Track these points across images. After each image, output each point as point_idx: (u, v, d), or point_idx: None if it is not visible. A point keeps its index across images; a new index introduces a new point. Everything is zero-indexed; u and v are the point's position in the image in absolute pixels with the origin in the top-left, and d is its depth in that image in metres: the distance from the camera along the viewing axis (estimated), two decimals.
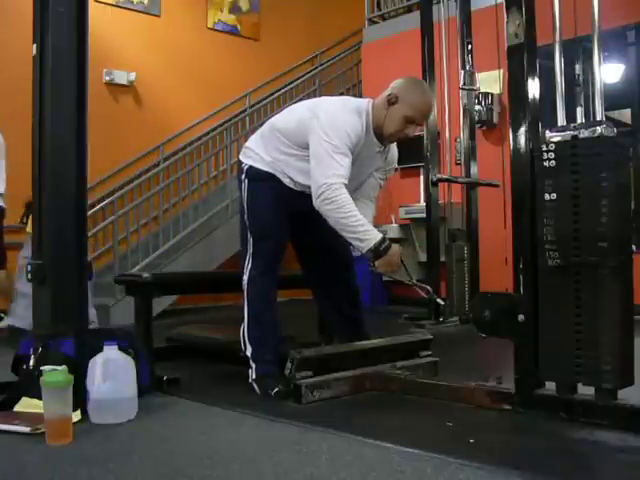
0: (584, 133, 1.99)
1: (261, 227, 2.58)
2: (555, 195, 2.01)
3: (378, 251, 2.37)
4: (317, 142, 2.43)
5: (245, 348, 2.55)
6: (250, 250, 2.58)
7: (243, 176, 2.65)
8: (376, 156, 2.61)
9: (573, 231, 1.97)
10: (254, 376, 2.51)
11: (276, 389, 2.39)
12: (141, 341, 2.69)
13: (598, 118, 2.09)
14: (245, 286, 2.57)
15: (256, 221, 2.59)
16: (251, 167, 2.64)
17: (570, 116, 2.19)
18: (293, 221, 2.64)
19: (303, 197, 2.53)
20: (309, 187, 2.47)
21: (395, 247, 2.44)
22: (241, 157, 2.72)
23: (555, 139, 2.03)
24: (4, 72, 5.76)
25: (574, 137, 2.00)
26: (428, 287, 2.65)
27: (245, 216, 2.62)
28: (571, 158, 1.98)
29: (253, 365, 2.52)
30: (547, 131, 2.07)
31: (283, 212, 2.60)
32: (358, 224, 2.38)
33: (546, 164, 2.02)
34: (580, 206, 1.96)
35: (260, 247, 2.56)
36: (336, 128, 2.42)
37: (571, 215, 1.97)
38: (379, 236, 2.38)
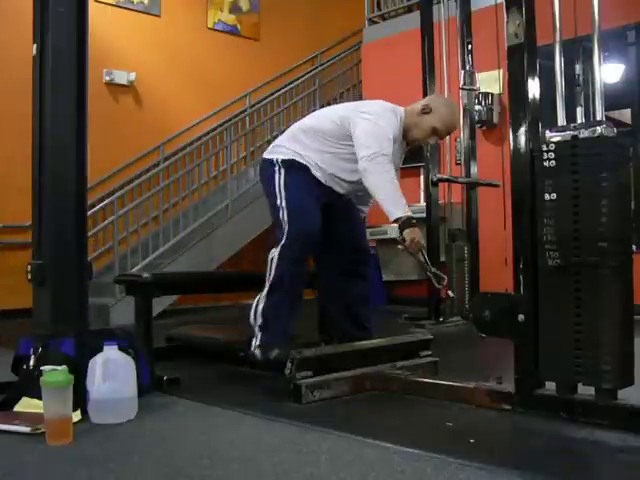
0: (584, 133, 1.99)
1: (299, 208, 2.63)
2: (555, 195, 2.01)
3: (409, 221, 2.53)
4: (372, 125, 2.62)
5: (255, 320, 2.55)
6: (285, 230, 2.59)
7: (276, 167, 2.73)
8: (398, 155, 2.85)
9: (573, 231, 1.97)
10: (257, 343, 2.49)
11: (275, 352, 2.43)
12: (141, 341, 2.69)
13: (598, 118, 2.09)
14: (275, 258, 2.57)
15: (294, 204, 2.64)
16: (284, 160, 2.73)
17: (570, 116, 2.19)
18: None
19: (332, 192, 2.75)
20: (343, 183, 2.73)
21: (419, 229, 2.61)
22: (270, 155, 2.80)
23: (555, 139, 2.03)
24: (4, 72, 5.76)
25: (574, 137, 2.00)
26: (445, 277, 2.72)
27: (278, 202, 2.65)
28: (571, 158, 1.98)
29: (259, 334, 2.52)
30: (547, 131, 2.07)
31: (317, 199, 2.71)
32: (399, 193, 2.57)
33: (546, 164, 2.02)
34: (580, 206, 1.96)
35: (296, 228, 2.58)
36: (385, 120, 2.66)
37: (571, 215, 1.97)
38: (409, 212, 2.56)
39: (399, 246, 2.59)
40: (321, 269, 2.95)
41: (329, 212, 2.73)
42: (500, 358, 2.84)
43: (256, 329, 2.53)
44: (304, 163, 2.71)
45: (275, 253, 2.58)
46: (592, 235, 1.94)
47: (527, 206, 2.12)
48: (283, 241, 2.58)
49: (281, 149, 2.77)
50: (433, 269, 2.67)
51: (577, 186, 1.97)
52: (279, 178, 2.68)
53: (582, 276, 1.98)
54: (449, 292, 2.97)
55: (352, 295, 2.84)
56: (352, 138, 2.64)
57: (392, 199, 2.55)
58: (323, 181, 2.73)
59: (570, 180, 1.98)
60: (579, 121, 2.33)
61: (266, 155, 2.81)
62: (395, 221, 2.55)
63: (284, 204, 2.63)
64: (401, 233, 2.56)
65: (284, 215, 2.61)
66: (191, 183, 6.46)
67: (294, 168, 2.70)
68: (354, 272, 2.86)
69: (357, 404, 2.37)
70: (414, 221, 2.56)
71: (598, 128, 1.97)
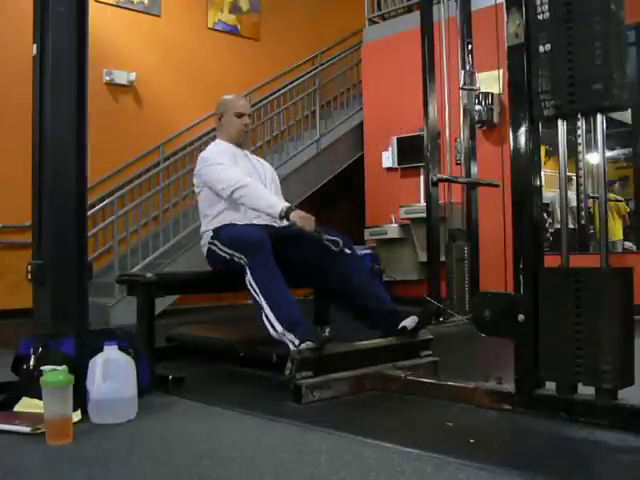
0: None
1: (235, 236, 2.84)
2: (549, 46, 2.02)
3: (289, 208, 2.79)
4: (208, 169, 3.08)
5: (277, 329, 2.53)
6: (242, 258, 2.71)
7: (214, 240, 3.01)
8: (248, 163, 3.21)
9: (568, 77, 1.98)
10: (297, 342, 2.46)
11: (322, 332, 2.51)
12: (143, 341, 2.69)
13: None
14: (251, 280, 2.62)
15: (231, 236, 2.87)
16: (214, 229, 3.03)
17: None
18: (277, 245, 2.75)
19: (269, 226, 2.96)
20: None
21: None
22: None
23: None
24: (4, 72, 5.76)
25: None
26: (339, 240, 2.82)
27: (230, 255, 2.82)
28: (565, 7, 1.99)
29: (290, 335, 2.50)
30: None
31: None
32: (266, 195, 2.93)
33: (540, 17, 2.04)
34: (574, 53, 1.97)
35: (245, 247, 2.72)
36: (211, 156, 3.10)
37: (566, 62, 1.98)
38: (286, 204, 2.84)
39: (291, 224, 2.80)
40: (319, 292, 3.26)
41: (283, 243, 2.85)
42: (500, 358, 2.84)
43: (286, 335, 2.51)
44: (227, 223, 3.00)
45: (249, 277, 2.64)
46: (586, 78, 1.94)
47: (527, 206, 2.12)
48: (247, 267, 2.66)
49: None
50: (326, 236, 2.82)
51: (571, 34, 1.98)
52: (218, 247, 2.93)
53: (582, 275, 1.98)
54: (345, 250, 3.03)
55: (348, 280, 2.86)
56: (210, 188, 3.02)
57: (264, 203, 2.86)
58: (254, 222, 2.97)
59: (564, 28, 1.99)
60: None
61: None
62: (281, 217, 2.79)
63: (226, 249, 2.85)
64: (288, 219, 2.77)
65: (233, 254, 2.78)
66: (191, 183, 6.46)
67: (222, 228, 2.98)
68: (332, 265, 2.87)
69: (357, 404, 2.37)
70: (292, 206, 2.84)
71: None
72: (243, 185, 2.90)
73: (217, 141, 3.23)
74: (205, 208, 3.09)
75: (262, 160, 3.41)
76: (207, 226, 3.06)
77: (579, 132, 4.77)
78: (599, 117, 2.00)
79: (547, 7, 2.03)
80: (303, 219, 2.78)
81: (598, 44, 1.93)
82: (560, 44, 2.00)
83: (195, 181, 3.15)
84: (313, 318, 3.24)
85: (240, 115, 3.16)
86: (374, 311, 2.80)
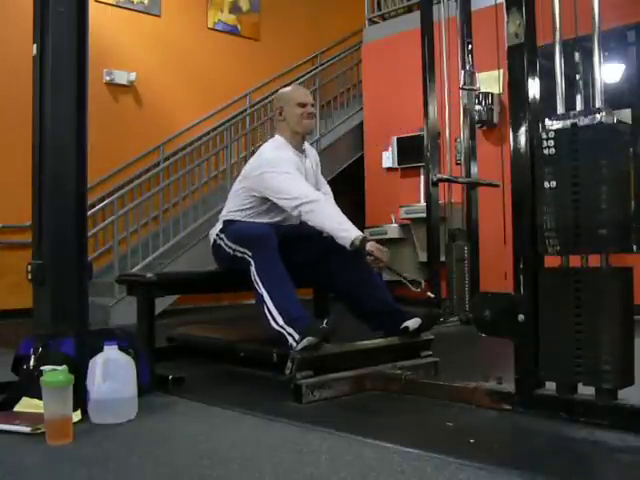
0: (584, 120, 1.98)
1: (242, 232, 2.81)
2: (555, 183, 2.01)
3: (364, 238, 2.64)
4: (275, 176, 2.88)
5: (277, 321, 2.52)
6: (246, 253, 2.69)
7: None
8: (309, 165, 3.06)
9: (573, 218, 1.97)
10: (297, 337, 2.45)
11: (321, 324, 2.48)
12: (144, 341, 2.69)
13: (597, 105, 2.06)
14: (255, 274, 2.62)
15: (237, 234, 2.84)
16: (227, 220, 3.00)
17: (570, 107, 2.18)
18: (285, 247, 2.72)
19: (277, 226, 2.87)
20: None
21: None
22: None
23: (555, 127, 2.03)
24: (4, 71, 5.76)
25: (574, 125, 1.99)
26: (422, 280, 2.74)
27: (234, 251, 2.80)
28: (571, 145, 1.98)
29: (290, 328, 2.49)
30: (547, 119, 2.07)
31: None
32: (341, 217, 2.72)
33: (546, 152, 2.03)
34: (580, 193, 1.96)
35: (249, 241, 2.71)
36: (277, 162, 2.88)
37: (571, 202, 1.97)
38: (360, 232, 2.68)
39: (368, 258, 2.65)
40: (320, 289, 3.25)
41: (290, 243, 2.81)
42: (500, 358, 2.84)
43: (286, 328, 2.50)
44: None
45: (253, 270, 2.63)
46: (592, 222, 1.94)
47: (527, 206, 2.12)
48: (252, 261, 2.64)
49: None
50: (407, 275, 2.72)
51: (577, 173, 1.97)
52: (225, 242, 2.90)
53: (582, 276, 1.98)
54: (428, 293, 2.97)
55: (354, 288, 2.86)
56: (267, 196, 2.85)
57: (337, 225, 2.69)
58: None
59: (570, 167, 1.98)
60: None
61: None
62: (352, 245, 2.63)
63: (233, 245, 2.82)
64: (364, 248, 2.61)
65: (237, 249, 2.76)
66: (191, 183, 6.47)
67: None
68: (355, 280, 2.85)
69: (357, 404, 2.37)
70: (367, 236, 2.69)
71: (597, 115, 1.96)
72: (313, 200, 2.72)
73: (277, 139, 2.99)
74: (236, 201, 2.97)
75: (313, 156, 3.17)
76: (225, 213, 3.01)
77: None
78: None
79: (553, 143, 2.02)
80: (380, 251, 2.64)
81: (604, 188, 1.93)
82: (565, 182, 1.99)
83: (246, 182, 2.95)
84: (313, 311, 3.24)
85: (303, 105, 2.95)
86: (377, 313, 2.81)
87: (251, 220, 2.93)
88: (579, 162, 1.96)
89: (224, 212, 3.04)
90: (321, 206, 2.73)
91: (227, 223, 2.96)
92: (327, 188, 3.23)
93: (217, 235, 2.97)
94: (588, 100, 2.09)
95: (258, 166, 2.88)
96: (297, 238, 2.90)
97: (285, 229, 2.92)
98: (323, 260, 2.89)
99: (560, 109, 2.13)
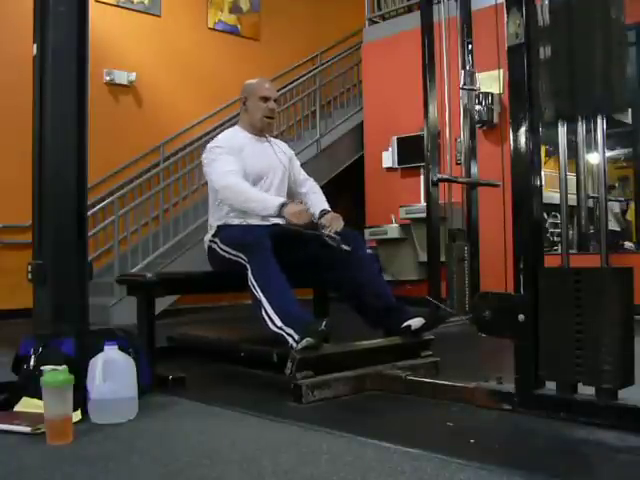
0: None
1: (236, 238, 2.81)
2: (550, 52, 2.05)
3: (281, 205, 2.73)
4: (208, 163, 3.06)
5: (276, 324, 2.52)
6: (243, 258, 2.70)
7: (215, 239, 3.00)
8: (259, 150, 3.10)
9: (569, 83, 2.01)
10: (296, 337, 2.44)
11: (320, 325, 2.45)
12: (144, 341, 2.69)
13: None
14: (251, 278, 2.61)
15: (232, 240, 2.84)
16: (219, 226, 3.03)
17: None
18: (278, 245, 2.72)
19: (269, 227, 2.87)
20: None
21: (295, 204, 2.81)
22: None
23: None
24: (3, 71, 5.76)
25: None
26: (337, 236, 2.80)
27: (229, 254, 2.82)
28: (566, 15, 2.01)
29: (289, 329, 2.48)
30: None
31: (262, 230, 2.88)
32: (257, 193, 2.85)
33: (541, 25, 2.06)
34: (575, 59, 1.99)
35: (244, 246, 2.71)
36: (214, 149, 3.00)
37: (566, 68, 2.00)
38: (279, 199, 2.79)
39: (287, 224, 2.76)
40: (319, 288, 3.30)
41: (287, 243, 2.82)
42: (500, 358, 2.84)
43: (285, 329, 2.49)
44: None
45: (249, 275, 2.63)
46: (587, 83, 1.96)
47: (527, 206, 2.12)
48: (247, 265, 2.65)
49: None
50: (325, 232, 2.81)
51: (572, 40, 2.00)
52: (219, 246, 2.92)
53: (582, 275, 1.98)
54: (343, 246, 2.99)
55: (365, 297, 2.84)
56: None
57: (256, 205, 2.79)
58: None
59: (565, 36, 2.01)
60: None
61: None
62: (279, 216, 2.74)
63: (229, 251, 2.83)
64: (283, 216, 2.72)
65: (232, 253, 2.78)
66: (191, 183, 6.47)
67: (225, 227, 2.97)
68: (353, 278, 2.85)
69: (357, 404, 2.37)
70: (286, 201, 2.78)
71: None
72: (226, 186, 2.85)
73: (234, 127, 3.12)
74: (212, 200, 3.06)
75: (282, 146, 3.26)
76: (212, 220, 3.05)
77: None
78: (599, 120, 2.01)
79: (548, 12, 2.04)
80: (295, 214, 2.72)
81: (599, 51, 1.93)
82: (561, 50, 2.01)
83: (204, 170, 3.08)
84: (312, 311, 3.24)
85: (266, 99, 3.02)
86: (377, 310, 2.80)
87: (237, 220, 2.94)
88: (574, 30, 1.99)
89: (209, 216, 3.10)
90: (236, 191, 2.82)
91: (219, 228, 2.97)
92: (311, 183, 3.27)
93: (210, 240, 2.99)
94: None
95: (202, 156, 3.04)
96: (294, 237, 2.89)
97: (280, 228, 2.92)
98: (321, 258, 2.88)
99: None
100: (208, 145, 3.02)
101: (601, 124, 2.03)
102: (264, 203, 2.79)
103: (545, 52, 2.05)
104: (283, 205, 2.73)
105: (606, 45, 1.95)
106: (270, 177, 3.05)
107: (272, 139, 3.19)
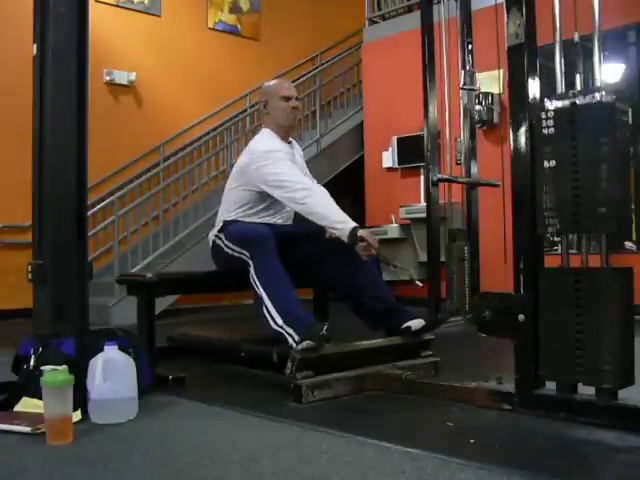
0: (583, 100, 1.97)
1: (241, 232, 2.79)
2: (554, 162, 2.01)
3: (356, 227, 2.65)
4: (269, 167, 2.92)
5: (277, 322, 2.52)
6: (244, 253, 2.69)
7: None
8: (298, 156, 3.12)
9: (573, 197, 1.97)
10: (298, 337, 2.45)
11: (322, 326, 2.44)
12: (144, 341, 2.69)
13: (597, 84, 2.04)
14: (253, 274, 2.62)
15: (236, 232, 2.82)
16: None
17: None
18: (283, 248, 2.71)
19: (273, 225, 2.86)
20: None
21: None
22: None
23: (554, 106, 2.02)
24: (3, 71, 5.76)
25: (573, 104, 1.98)
26: (404, 267, 2.85)
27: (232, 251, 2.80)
28: (570, 125, 1.98)
29: (290, 329, 2.48)
30: (546, 99, 2.06)
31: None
32: (335, 206, 2.74)
33: (545, 131, 2.02)
34: (579, 172, 1.96)
35: (247, 242, 2.70)
36: (268, 154, 2.90)
37: (571, 181, 1.97)
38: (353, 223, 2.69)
39: (358, 246, 2.70)
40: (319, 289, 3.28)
41: (290, 243, 2.82)
42: (500, 358, 2.84)
43: (285, 328, 2.49)
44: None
45: (251, 272, 2.63)
46: (591, 200, 1.93)
47: (527, 206, 2.12)
48: (250, 262, 2.64)
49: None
50: (397, 263, 2.85)
51: (576, 152, 1.97)
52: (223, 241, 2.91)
53: (582, 276, 1.98)
54: (417, 282, 2.98)
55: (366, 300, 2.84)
56: (264, 189, 2.86)
57: (332, 215, 2.70)
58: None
59: (569, 147, 1.98)
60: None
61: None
62: (351, 234, 2.65)
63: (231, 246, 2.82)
64: (355, 237, 2.64)
65: (236, 250, 2.77)
66: (191, 183, 6.47)
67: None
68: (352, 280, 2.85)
69: (357, 404, 2.37)
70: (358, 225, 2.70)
71: (597, 94, 1.96)
72: (308, 188, 2.76)
73: (265, 131, 3.02)
74: (232, 198, 2.98)
75: (300, 150, 3.25)
76: (222, 217, 3.01)
77: None
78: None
79: (552, 122, 2.02)
80: (371, 238, 2.69)
81: (604, 166, 1.92)
82: (565, 162, 1.99)
83: (241, 178, 2.94)
84: (313, 311, 3.24)
85: (287, 98, 2.99)
86: (377, 312, 2.80)
87: (249, 219, 2.92)
88: (578, 141, 1.96)
89: (220, 213, 3.04)
90: (317, 195, 2.75)
91: (226, 223, 2.95)
92: (317, 184, 3.22)
93: (216, 235, 2.97)
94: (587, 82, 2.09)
95: (253, 160, 2.87)
96: (296, 237, 2.89)
97: (284, 228, 2.92)
98: (323, 259, 2.89)
99: (559, 88, 2.13)
100: (259, 149, 2.90)
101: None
102: (343, 221, 2.69)
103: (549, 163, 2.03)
104: (357, 227, 2.68)
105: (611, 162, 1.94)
106: None
107: (293, 142, 3.14)
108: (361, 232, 2.66)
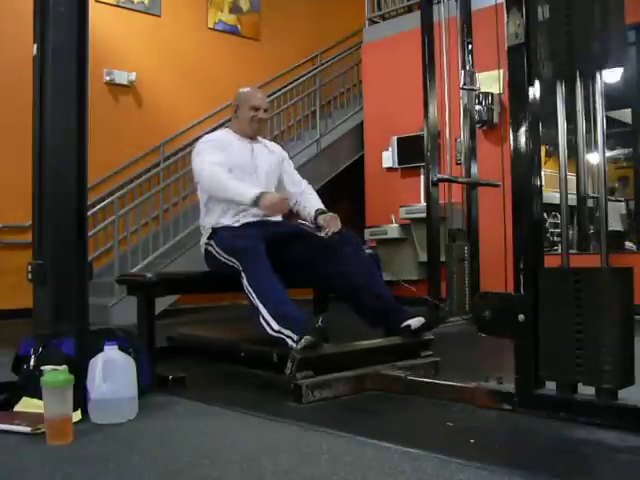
0: None
1: (230, 245, 2.82)
2: (548, 13, 2.06)
3: (259, 195, 2.78)
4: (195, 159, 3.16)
5: (273, 328, 2.52)
6: (237, 264, 2.71)
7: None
8: (242, 150, 3.18)
9: (567, 43, 2.01)
10: (296, 337, 2.44)
11: (318, 322, 2.44)
12: (144, 341, 2.69)
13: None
14: (247, 285, 2.62)
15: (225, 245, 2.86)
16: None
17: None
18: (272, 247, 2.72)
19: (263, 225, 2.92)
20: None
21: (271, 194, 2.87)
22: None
23: None
24: (3, 71, 5.76)
25: None
26: (335, 237, 2.84)
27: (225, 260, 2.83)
28: None
29: (288, 331, 2.48)
30: None
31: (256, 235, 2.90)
32: (235, 183, 2.90)
33: None
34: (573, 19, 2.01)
35: (239, 253, 2.71)
36: (201, 147, 3.14)
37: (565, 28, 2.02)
38: (257, 190, 2.82)
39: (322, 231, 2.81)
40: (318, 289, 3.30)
41: (283, 243, 2.84)
42: (500, 358, 2.84)
43: (283, 332, 2.49)
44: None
45: (244, 283, 2.64)
46: (585, 44, 1.97)
47: (527, 206, 2.12)
48: (242, 272, 2.65)
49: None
50: (323, 233, 2.87)
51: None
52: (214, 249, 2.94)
53: (582, 275, 1.98)
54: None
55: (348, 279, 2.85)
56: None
57: (231, 192, 2.87)
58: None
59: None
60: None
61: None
62: (254, 204, 2.80)
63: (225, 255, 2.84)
64: (258, 205, 2.78)
65: (228, 259, 2.79)
66: (191, 183, 6.45)
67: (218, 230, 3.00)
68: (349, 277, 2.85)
69: (357, 404, 2.37)
70: (262, 192, 2.81)
71: None
72: (207, 176, 2.93)
73: (225, 129, 3.23)
74: (202, 200, 3.13)
75: (274, 147, 3.34)
76: (203, 220, 3.09)
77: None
78: (598, 77, 2.03)
79: None
80: (270, 206, 2.79)
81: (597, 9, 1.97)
82: (559, 10, 2.04)
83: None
84: (312, 311, 3.24)
85: (256, 109, 3.16)
86: (376, 310, 2.79)
87: (230, 220, 2.96)
88: None
89: (202, 219, 3.12)
90: (214, 179, 2.90)
91: (213, 230, 3.00)
92: (306, 183, 3.31)
93: (206, 243, 3.00)
94: None
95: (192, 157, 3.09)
96: (290, 237, 2.90)
97: (277, 228, 2.92)
98: (317, 259, 2.88)
99: None
100: (197, 144, 3.13)
101: (600, 83, 2.04)
102: (241, 193, 2.84)
103: (543, 13, 2.07)
104: (260, 196, 2.78)
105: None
106: (258, 173, 3.10)
107: (264, 140, 3.29)
108: (262, 202, 2.76)
